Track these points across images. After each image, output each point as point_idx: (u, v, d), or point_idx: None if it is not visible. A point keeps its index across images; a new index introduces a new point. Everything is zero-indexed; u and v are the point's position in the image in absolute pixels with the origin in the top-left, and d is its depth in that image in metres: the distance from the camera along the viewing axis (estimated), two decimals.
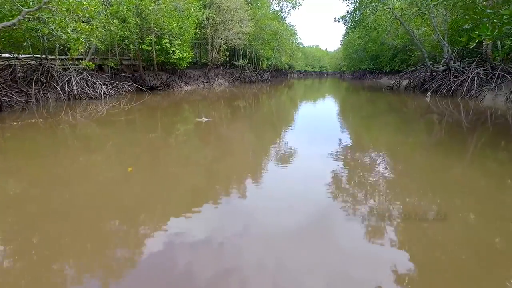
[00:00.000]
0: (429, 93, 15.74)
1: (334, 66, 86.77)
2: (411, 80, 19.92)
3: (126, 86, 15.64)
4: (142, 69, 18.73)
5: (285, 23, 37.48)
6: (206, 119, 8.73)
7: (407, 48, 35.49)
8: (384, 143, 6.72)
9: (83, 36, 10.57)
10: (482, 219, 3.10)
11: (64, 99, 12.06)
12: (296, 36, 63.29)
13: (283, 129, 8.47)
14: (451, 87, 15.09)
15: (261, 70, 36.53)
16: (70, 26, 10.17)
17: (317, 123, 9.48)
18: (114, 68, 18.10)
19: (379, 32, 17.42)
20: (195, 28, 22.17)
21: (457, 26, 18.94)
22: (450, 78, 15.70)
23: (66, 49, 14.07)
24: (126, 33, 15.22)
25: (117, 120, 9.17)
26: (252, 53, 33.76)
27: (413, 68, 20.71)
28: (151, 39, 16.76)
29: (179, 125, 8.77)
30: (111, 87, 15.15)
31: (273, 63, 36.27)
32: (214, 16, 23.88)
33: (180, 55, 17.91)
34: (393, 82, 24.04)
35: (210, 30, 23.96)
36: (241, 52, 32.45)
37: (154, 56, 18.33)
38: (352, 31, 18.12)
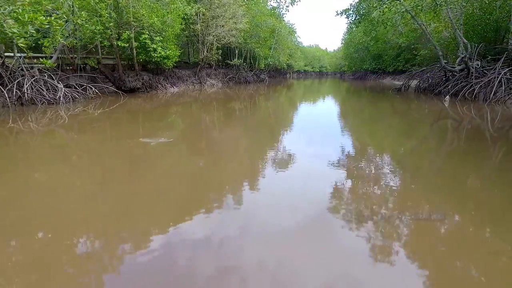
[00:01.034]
0: (447, 96, 13.70)
1: (334, 66, 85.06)
2: (422, 82, 17.87)
3: (94, 89, 13.53)
4: (122, 69, 16.66)
5: (283, 20, 35.41)
6: (161, 140, 6.32)
7: (413, 46, 33.53)
8: (408, 161, 4.70)
9: (29, 28, 8.50)
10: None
11: (11, 104, 9.98)
12: (296, 35, 61.53)
13: (280, 144, 6.43)
14: (473, 89, 13.06)
15: (257, 70, 34.48)
16: (10, 15, 8.15)
17: (321, 136, 7.44)
18: (96, 68, 16.11)
19: (387, 27, 15.39)
20: (183, 24, 20.13)
21: (474, 20, 16.94)
22: (471, 79, 13.67)
23: (32, 46, 11.99)
24: (97, 27, 13.15)
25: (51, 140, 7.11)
26: (248, 52, 31.72)
27: (423, 68, 18.64)
28: (128, 35, 14.69)
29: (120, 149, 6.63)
30: (80, 89, 13.09)
31: (271, 63, 34.17)
32: (205, 11, 21.83)
33: (163, 53, 15.85)
34: (400, 83, 22.03)
35: (201, 26, 21.92)
36: (236, 51, 30.43)
37: (135, 54, 16.28)
38: (357, 26, 16.11)
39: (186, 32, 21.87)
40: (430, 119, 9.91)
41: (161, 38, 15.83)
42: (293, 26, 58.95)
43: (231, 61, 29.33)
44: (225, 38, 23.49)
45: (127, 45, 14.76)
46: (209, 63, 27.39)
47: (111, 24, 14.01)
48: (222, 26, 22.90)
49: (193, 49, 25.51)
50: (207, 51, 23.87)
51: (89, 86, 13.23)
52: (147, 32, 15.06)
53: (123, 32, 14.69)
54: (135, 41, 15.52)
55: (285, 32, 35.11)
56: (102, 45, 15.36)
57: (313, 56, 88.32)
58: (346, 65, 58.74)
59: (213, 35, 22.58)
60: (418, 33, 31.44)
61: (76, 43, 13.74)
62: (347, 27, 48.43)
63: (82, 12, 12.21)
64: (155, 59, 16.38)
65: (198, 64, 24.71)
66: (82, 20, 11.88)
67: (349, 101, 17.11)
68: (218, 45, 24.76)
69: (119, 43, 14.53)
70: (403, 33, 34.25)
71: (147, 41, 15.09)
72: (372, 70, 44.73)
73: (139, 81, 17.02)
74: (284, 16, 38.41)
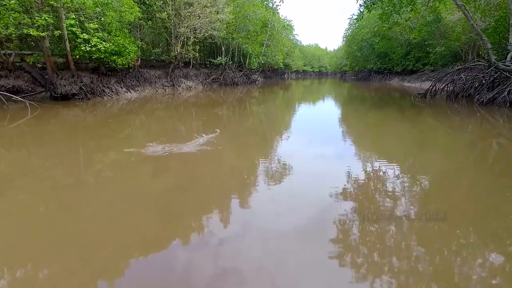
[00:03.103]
0: None
1: (335, 66, 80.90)
2: (456, 85, 13.40)
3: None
4: (52, 69, 12.33)
5: (277, 12, 31.00)
6: None
7: (426, 43, 29.20)
8: None
9: None
10: None
11: None
12: (293, 32, 57.24)
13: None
14: None
15: (247, 70, 30.08)
16: None
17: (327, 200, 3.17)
18: (43, 67, 12.00)
19: (414, 7, 10.78)
20: (143, 11, 15.82)
21: None
22: None
23: None
24: None
25: None
26: (236, 49, 27.35)
27: (460, 67, 14.07)
28: (46, 20, 10.34)
29: None
30: None
31: (263, 61, 29.74)
32: None
33: (101, 46, 11.51)
34: (410, 84, 17.69)
35: (169, 15, 17.55)
36: (223, 48, 26.10)
37: (68, 48, 11.96)
38: (369, 11, 11.69)
39: (151, 22, 17.53)
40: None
41: (98, 26, 11.46)
42: (291, 22, 54.76)
43: (214, 59, 24.96)
44: (202, 31, 19.17)
45: (44, 34, 10.40)
46: (186, 61, 23.09)
47: (17, 5, 9.68)
48: (199, 16, 18.56)
49: (162, 45, 21.09)
50: (181, 47, 19.55)
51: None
52: (73, 16, 10.68)
53: (39, 17, 10.34)
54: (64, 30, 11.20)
55: (280, 26, 30.68)
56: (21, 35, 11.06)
57: (313, 55, 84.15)
58: (347, 65, 54.41)
59: (187, 27, 18.24)
60: (433, 27, 27.12)
61: None
62: (349, 23, 44.08)
63: None
64: (96, 55, 12.05)
65: (171, 63, 20.37)
66: None
67: (359, 123, 12.72)
68: (196, 39, 20.46)
69: (31, 31, 10.17)
70: (416, 27, 29.93)
71: (74, 28, 10.73)
72: (377, 70, 40.37)
73: (75, 84, 12.66)
74: (278, 8, 33.99)
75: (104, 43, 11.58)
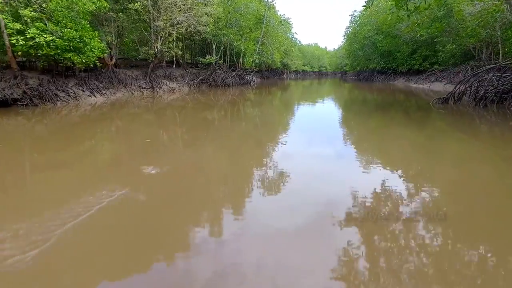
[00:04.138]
0: None
1: (335, 66, 78.72)
2: (485, 88, 10.93)
3: None
4: None
5: (272, 6, 28.52)
6: None
7: (436, 40, 26.80)
8: None
9: None
10: None
11: None
12: (292, 31, 54.94)
13: None
14: None
15: (241, 70, 27.67)
16: None
17: None
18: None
19: None
20: (113, 2, 13.44)
21: None
22: None
23: None
24: None
25: None
26: (227, 47, 24.96)
27: (490, 66, 11.50)
28: None
29: None
30: None
31: (257, 60, 27.27)
32: None
33: (41, 39, 9.09)
34: (418, 86, 15.32)
35: (144, 6, 15.14)
36: (214, 46, 23.73)
37: (7, 42, 9.56)
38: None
39: (124, 15, 15.13)
40: None
41: (36, 14, 9.05)
42: (289, 20, 52.47)
43: (203, 58, 22.57)
44: (185, 25, 16.78)
45: None
46: (171, 61, 20.78)
47: None
48: (180, 8, 16.17)
49: (141, 42, 18.67)
50: (161, 44, 17.17)
51: None
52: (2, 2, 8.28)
53: None
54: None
55: (275, 22, 28.23)
56: None
57: (312, 55, 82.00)
58: (348, 65, 52.09)
59: (167, 21, 15.85)
60: (443, 23, 24.72)
61: None
62: (350, 20, 41.74)
63: None
64: (44, 51, 9.65)
65: (151, 61, 17.98)
66: None
67: (370, 142, 10.36)
68: (179, 35, 18.10)
69: None
70: (423, 24, 27.55)
71: (2, 16, 8.33)
72: (380, 70, 38.01)
73: (18, 87, 10.26)
74: (273, 2, 31.50)
75: (47, 35, 9.14)
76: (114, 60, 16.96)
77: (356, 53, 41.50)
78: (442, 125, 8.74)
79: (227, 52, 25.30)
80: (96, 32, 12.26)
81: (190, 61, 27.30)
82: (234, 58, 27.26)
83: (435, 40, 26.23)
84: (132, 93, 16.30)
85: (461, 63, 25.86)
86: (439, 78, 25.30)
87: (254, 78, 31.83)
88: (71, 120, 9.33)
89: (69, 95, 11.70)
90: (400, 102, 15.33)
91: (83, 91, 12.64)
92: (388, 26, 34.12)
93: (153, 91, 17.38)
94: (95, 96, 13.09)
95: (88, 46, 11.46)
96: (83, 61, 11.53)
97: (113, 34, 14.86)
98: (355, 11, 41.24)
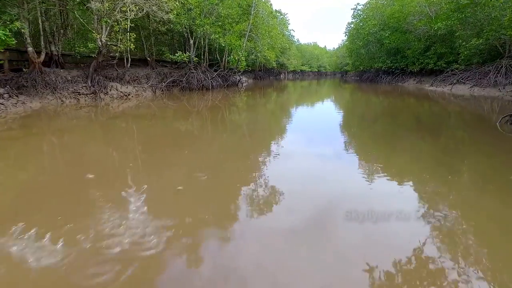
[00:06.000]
0: None
1: (335, 66, 74.55)
2: None
3: None
4: None
5: None
6: None
7: (457, 34, 22.44)
8: None
9: None
10: None
11: None
12: (288, 28, 50.70)
13: None
14: None
15: (227, 69, 23.33)
16: None
17: None
18: None
19: None
20: None
21: None
22: None
23: None
24: None
25: None
26: (207, 43, 20.65)
27: None
28: None
29: None
30: None
31: (243, 58, 22.85)
32: None
33: None
34: (434, 88, 10.95)
35: None
36: (191, 41, 19.46)
37: None
38: None
39: None
40: None
41: None
42: (285, 16, 48.23)
43: (173, 55, 18.25)
44: (135, 9, 12.50)
45: None
46: (138, 59, 16.52)
47: None
48: None
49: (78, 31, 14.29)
50: (107, 35, 12.88)
51: None
52: None
53: None
54: None
55: (265, 13, 23.90)
56: None
57: (311, 54, 77.86)
58: (350, 64, 47.85)
59: (106, 4, 11.54)
60: (467, 13, 20.35)
61: None
62: (353, 14, 37.40)
63: None
64: None
65: (95, 58, 13.67)
66: None
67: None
68: (131, 24, 13.85)
69: None
70: (439, 17, 23.22)
71: None
72: (387, 69, 33.70)
73: None
74: None
75: None
76: (42, 57, 12.71)
77: (358, 51, 37.18)
78: None
79: (207, 49, 20.99)
80: None
81: (166, 59, 23.01)
82: (217, 56, 22.97)
83: (457, 34, 21.87)
84: (62, 100, 12.01)
85: (484, 62, 21.61)
86: (462, 79, 21.01)
87: (243, 79, 27.52)
88: None
89: None
90: (436, 117, 10.97)
91: None
92: (397, 20, 29.80)
93: (96, 97, 13.07)
94: None
95: None
96: None
97: (25, 19, 10.57)
98: (358, 4, 36.85)
